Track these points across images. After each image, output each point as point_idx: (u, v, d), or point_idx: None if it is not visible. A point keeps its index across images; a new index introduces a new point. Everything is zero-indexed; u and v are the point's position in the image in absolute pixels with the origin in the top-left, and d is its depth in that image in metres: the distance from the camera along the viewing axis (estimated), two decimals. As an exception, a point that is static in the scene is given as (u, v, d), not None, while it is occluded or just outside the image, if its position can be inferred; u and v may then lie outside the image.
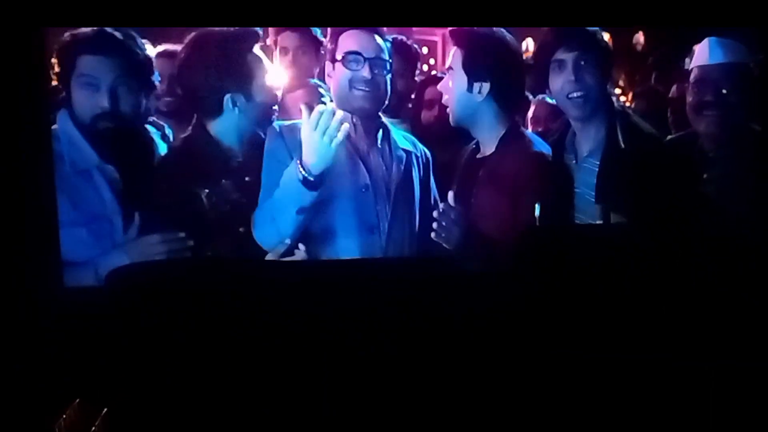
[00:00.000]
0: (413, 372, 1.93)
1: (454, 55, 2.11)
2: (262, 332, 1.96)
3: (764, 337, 1.86)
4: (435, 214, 2.03)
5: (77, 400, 1.80)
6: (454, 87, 2.11)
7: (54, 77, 2.01)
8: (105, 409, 1.81)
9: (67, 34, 1.96)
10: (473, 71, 2.07)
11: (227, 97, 1.99)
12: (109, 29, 1.95)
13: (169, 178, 2.01)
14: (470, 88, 2.08)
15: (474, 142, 2.18)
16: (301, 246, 2.00)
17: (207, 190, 1.99)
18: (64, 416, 1.75)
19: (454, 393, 1.90)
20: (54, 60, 2.00)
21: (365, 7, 2.01)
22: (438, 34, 2.76)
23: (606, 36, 2.13)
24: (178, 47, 2.11)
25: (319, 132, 1.91)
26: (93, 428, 1.77)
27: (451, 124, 2.15)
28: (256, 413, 1.90)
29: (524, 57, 2.26)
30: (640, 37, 2.78)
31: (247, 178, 2.04)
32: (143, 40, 2.03)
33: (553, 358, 1.88)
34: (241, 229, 2.01)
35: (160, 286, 1.98)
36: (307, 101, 2.25)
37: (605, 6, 2.03)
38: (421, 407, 1.90)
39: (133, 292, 1.97)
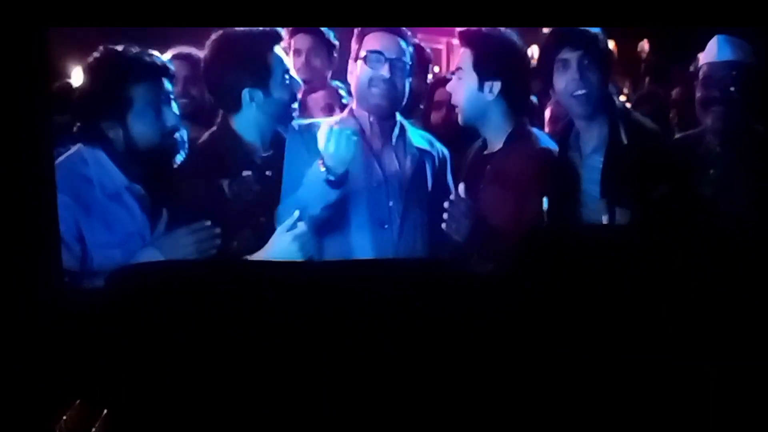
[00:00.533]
0: (413, 372, 1.93)
1: (463, 56, 2.15)
2: (262, 332, 1.96)
3: (764, 337, 1.86)
4: (446, 204, 2.09)
5: (78, 401, 1.80)
6: (464, 87, 2.16)
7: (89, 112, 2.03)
8: (105, 410, 1.81)
9: (111, 67, 1.99)
10: (484, 71, 2.13)
11: (245, 92, 2.06)
12: (146, 57, 2.01)
13: (197, 173, 2.08)
14: (481, 88, 2.13)
15: (481, 139, 2.22)
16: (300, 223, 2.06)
17: (230, 183, 2.07)
18: (65, 417, 1.75)
19: (454, 393, 1.90)
20: (85, 93, 2.03)
21: (371, 9, 2.04)
22: (442, 42, 2.78)
23: (611, 44, 2.18)
24: (191, 49, 2.22)
25: (332, 145, 2.00)
26: (93, 429, 1.77)
27: (460, 123, 2.18)
28: (256, 413, 1.90)
29: (531, 63, 2.31)
30: (644, 45, 2.82)
31: (268, 173, 2.12)
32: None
33: (553, 358, 1.88)
34: (261, 219, 2.09)
35: (161, 287, 1.98)
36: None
37: (610, 7, 2.05)
38: (422, 407, 1.90)
39: (133, 292, 1.97)
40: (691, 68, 2.22)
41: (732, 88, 2.08)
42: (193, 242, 2.03)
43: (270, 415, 1.90)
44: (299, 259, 2.06)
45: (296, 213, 2.05)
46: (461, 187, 2.09)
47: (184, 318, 1.96)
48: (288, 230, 2.05)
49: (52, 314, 1.95)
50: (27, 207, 1.94)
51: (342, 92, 2.43)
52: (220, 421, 1.89)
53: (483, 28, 2.13)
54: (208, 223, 2.03)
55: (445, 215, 2.09)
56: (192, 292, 1.98)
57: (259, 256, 2.07)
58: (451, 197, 2.10)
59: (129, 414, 1.86)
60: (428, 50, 2.57)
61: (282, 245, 2.06)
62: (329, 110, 2.41)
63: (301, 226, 2.05)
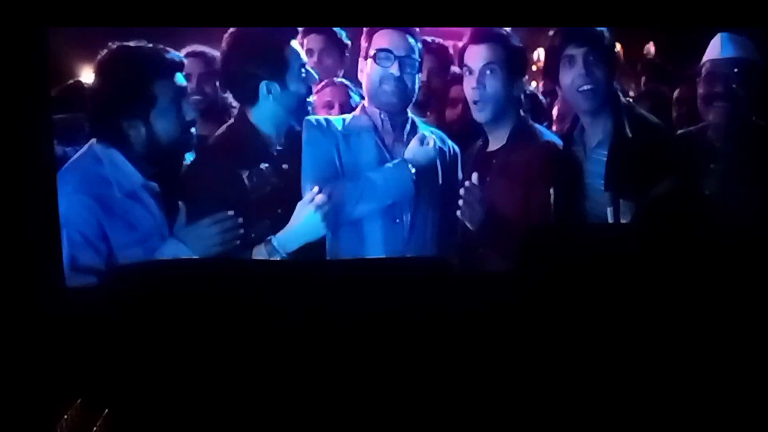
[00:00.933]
0: (414, 372, 1.93)
1: (494, 52, 2.15)
2: (262, 332, 1.96)
3: (764, 337, 1.86)
4: (461, 191, 2.15)
5: (79, 401, 1.81)
6: (497, 83, 2.16)
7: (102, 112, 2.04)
8: (107, 410, 1.82)
9: (132, 65, 2.02)
10: (518, 67, 2.20)
11: (262, 84, 2.10)
12: (165, 53, 2.04)
13: (216, 164, 2.13)
14: (512, 84, 2.19)
15: (482, 137, 2.23)
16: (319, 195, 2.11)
17: (249, 174, 2.12)
18: (66, 416, 1.76)
19: (454, 393, 1.91)
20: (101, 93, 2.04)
21: (381, 9, 2.06)
22: (449, 44, 2.80)
23: (618, 46, 2.21)
24: (204, 47, 2.32)
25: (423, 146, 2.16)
26: (95, 428, 1.78)
27: (479, 120, 2.20)
28: (257, 413, 1.90)
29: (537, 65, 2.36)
30: (651, 47, 2.85)
31: (284, 166, 2.17)
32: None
33: (553, 358, 1.88)
34: (279, 211, 2.14)
35: (162, 286, 1.99)
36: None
37: (613, 7, 2.06)
38: (422, 407, 1.90)
39: (135, 291, 1.97)
40: (695, 66, 2.24)
41: (734, 85, 2.10)
42: (217, 233, 2.05)
43: (270, 415, 1.90)
44: (323, 231, 2.12)
45: (316, 188, 2.09)
46: (475, 175, 2.14)
47: (185, 317, 1.97)
48: (309, 202, 2.09)
49: (53, 314, 1.96)
50: (27, 207, 1.95)
51: (351, 93, 2.45)
52: (220, 420, 1.89)
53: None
54: (231, 213, 2.06)
55: (460, 202, 2.13)
56: (193, 292, 1.98)
57: (285, 230, 2.12)
58: (467, 184, 2.14)
59: (130, 413, 1.86)
60: (450, 49, 2.59)
61: (305, 217, 2.11)
62: (329, 107, 2.43)
63: (321, 198, 2.09)
